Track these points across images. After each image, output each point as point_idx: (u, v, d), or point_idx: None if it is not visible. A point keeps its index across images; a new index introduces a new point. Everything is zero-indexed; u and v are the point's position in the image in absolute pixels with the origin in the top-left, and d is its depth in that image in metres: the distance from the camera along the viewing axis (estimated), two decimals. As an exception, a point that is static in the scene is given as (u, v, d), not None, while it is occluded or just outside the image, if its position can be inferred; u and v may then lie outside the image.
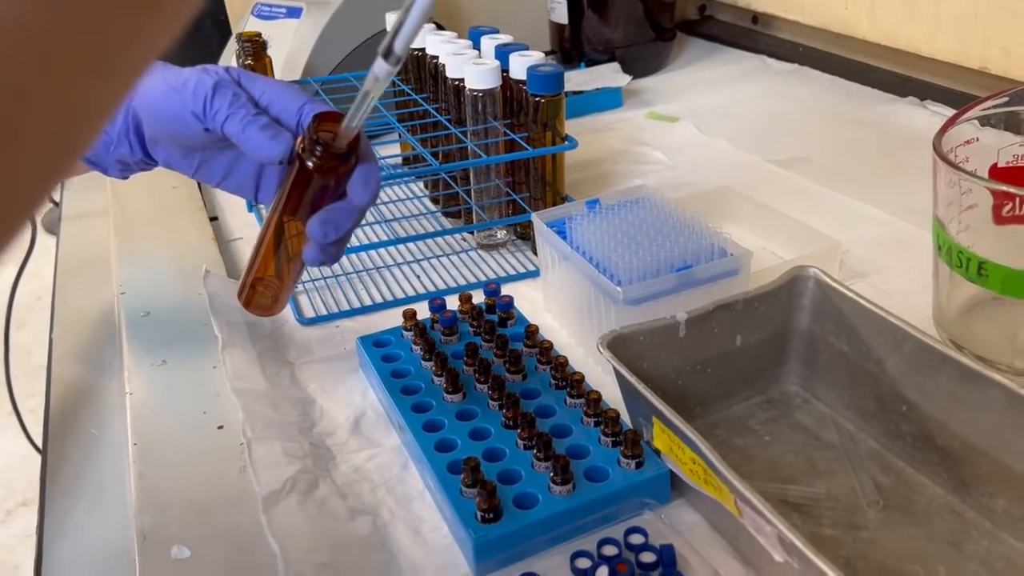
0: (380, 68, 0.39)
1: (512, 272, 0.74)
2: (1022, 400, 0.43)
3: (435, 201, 0.86)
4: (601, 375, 0.58)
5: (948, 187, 0.57)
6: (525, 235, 0.78)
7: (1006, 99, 0.61)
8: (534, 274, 0.73)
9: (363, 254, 0.77)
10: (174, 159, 0.53)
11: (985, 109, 0.61)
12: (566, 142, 0.74)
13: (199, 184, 0.93)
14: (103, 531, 0.51)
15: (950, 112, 0.82)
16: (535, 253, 0.74)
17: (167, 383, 0.60)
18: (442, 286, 0.72)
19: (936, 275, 0.61)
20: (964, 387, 0.46)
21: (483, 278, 0.73)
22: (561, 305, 0.66)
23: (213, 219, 0.87)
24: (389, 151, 0.94)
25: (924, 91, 1.02)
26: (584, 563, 0.45)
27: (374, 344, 0.61)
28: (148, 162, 0.54)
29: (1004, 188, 0.53)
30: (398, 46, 0.37)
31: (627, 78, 1.12)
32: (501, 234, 0.78)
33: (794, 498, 0.48)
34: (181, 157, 0.53)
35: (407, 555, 0.46)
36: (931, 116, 0.95)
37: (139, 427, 0.55)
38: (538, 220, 0.66)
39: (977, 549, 0.45)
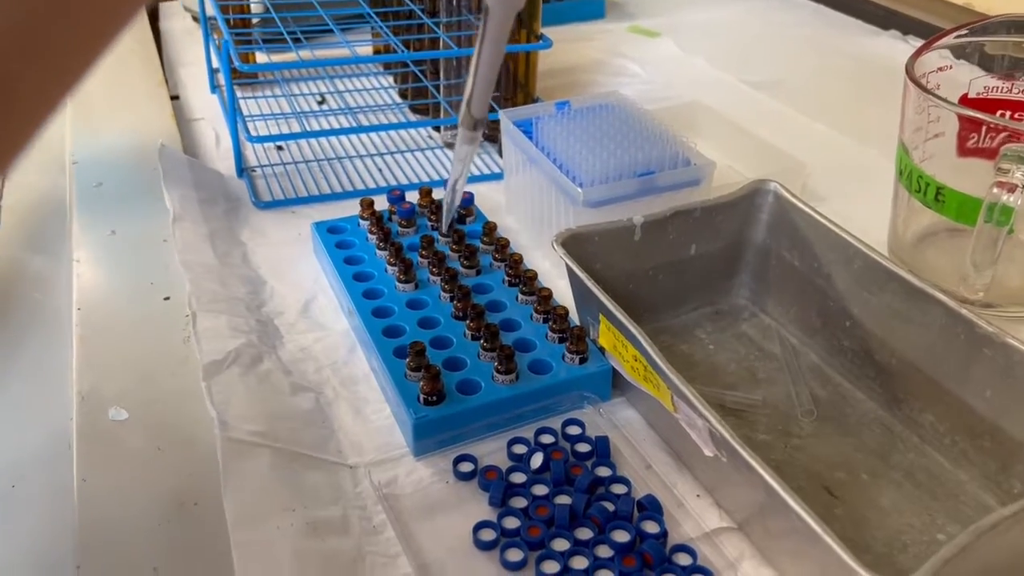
0: (465, 135, 0.42)
1: (477, 173, 0.73)
2: (960, 319, 0.44)
3: (403, 95, 0.84)
4: (556, 277, 0.58)
5: (916, 112, 0.57)
6: (493, 137, 0.77)
7: (966, 32, 0.61)
8: (498, 176, 0.72)
9: (325, 143, 0.75)
10: None
11: (959, 36, 0.61)
12: (540, 41, 0.72)
13: (161, 62, 0.90)
14: (42, 397, 0.50)
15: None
16: (501, 156, 0.73)
17: (116, 253, 0.59)
18: (404, 181, 0.71)
19: (895, 201, 0.62)
20: (906, 304, 0.47)
21: (446, 177, 0.72)
22: (523, 207, 0.66)
23: (175, 98, 0.84)
24: (361, 39, 0.91)
25: (907, 25, 1.01)
26: (520, 449, 0.46)
27: (329, 230, 0.60)
28: None
29: (973, 114, 0.53)
30: (476, 111, 0.39)
31: (611, -11, 1.10)
32: (468, 134, 0.77)
33: (732, 403, 0.49)
34: None
35: (347, 431, 0.47)
36: (910, 50, 0.94)
37: (85, 294, 0.55)
38: (505, 118, 0.65)
39: (902, 461, 0.46)
